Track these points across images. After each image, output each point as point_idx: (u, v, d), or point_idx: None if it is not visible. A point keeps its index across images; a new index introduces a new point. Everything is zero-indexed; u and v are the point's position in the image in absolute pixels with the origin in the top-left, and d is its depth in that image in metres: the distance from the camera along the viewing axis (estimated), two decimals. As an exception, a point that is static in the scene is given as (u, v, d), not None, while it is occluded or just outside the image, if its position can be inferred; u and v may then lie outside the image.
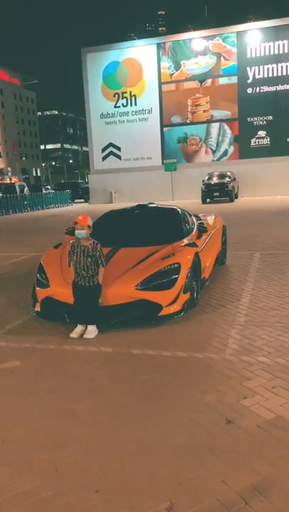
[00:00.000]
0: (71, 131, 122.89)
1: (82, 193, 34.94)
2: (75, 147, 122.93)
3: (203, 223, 7.19)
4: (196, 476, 2.57)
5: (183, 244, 5.93)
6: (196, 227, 6.85)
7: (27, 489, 2.55)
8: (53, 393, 3.70)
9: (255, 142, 29.58)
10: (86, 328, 4.94)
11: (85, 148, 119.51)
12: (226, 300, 6.04)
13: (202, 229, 6.53)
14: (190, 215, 7.29)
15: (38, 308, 5.61)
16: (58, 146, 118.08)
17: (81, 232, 4.92)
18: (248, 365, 3.99)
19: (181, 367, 4.06)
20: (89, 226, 4.97)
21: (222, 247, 8.05)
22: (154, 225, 6.48)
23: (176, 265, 5.31)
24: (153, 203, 7.36)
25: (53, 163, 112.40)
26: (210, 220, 7.92)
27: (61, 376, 4.02)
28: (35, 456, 2.85)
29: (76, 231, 4.97)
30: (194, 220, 7.25)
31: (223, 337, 4.74)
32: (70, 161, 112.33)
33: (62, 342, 4.85)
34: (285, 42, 28.65)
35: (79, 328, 4.96)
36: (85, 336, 4.88)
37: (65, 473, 2.67)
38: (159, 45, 30.73)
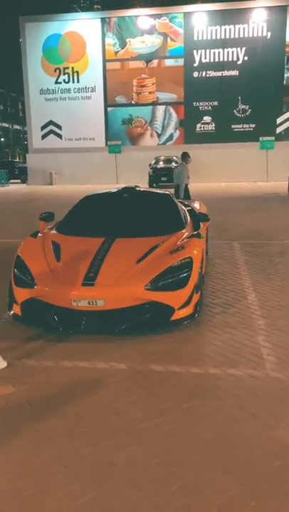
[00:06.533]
0: (1, 107, 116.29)
1: (19, 173, 32.81)
2: (5, 125, 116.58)
3: (193, 210, 6.46)
4: None
5: (186, 234, 5.14)
6: (188, 214, 6.08)
7: None
8: (75, 436, 2.79)
9: (200, 127, 29.25)
10: None
11: (16, 127, 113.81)
12: (232, 298, 5.36)
13: (202, 217, 5.76)
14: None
15: (17, 311, 4.57)
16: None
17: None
18: (302, 385, 3.32)
19: (222, 389, 3.30)
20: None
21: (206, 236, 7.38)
22: (149, 212, 5.59)
23: (187, 260, 4.52)
24: (138, 186, 6.47)
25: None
26: (197, 206, 7.20)
27: (75, 408, 3.10)
28: None
29: None
30: (182, 206, 6.48)
31: (251, 346, 4.04)
32: (2, 139, 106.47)
33: (58, 356, 3.90)
34: (232, 27, 28.36)
35: None
36: None
37: None
38: (103, 20, 29.20)
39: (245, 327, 4.48)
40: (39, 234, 5.26)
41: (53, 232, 5.33)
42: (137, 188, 6.12)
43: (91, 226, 5.33)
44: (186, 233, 5.20)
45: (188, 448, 2.64)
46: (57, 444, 2.72)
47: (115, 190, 6.14)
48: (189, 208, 6.60)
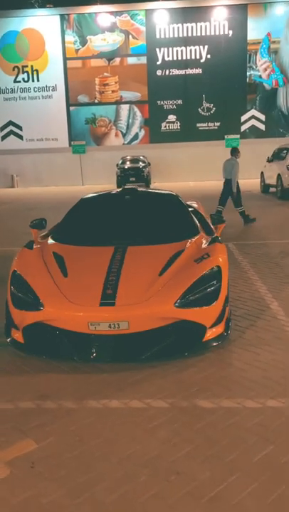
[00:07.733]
0: None
1: (-22, 177, 31.23)
2: None
3: (197, 211, 5.91)
4: None
5: (205, 239, 4.56)
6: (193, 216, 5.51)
7: None
8: (134, 510, 2.14)
9: (165, 126, 28.81)
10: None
11: None
12: (254, 308, 4.83)
13: (217, 219, 5.16)
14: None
15: (17, 337, 3.84)
16: None
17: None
18: None
19: (294, 428, 2.74)
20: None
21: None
22: (157, 215, 4.93)
23: (215, 269, 3.93)
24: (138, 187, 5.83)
25: None
26: (195, 206, 6.62)
27: (120, 467, 2.44)
28: None
29: None
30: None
31: (300, 367, 3.50)
32: None
33: (79, 393, 3.21)
34: (193, 25, 28.09)
35: None
36: None
37: None
38: (62, 17, 28.31)
39: (282, 343, 3.95)
40: (35, 244, 4.53)
41: (51, 241, 4.61)
42: (139, 189, 5.48)
43: (95, 233, 4.65)
44: (204, 238, 4.62)
45: (286, 520, 2.06)
46: (116, 528, 2.06)
47: (114, 191, 5.46)
48: (192, 208, 6.03)
